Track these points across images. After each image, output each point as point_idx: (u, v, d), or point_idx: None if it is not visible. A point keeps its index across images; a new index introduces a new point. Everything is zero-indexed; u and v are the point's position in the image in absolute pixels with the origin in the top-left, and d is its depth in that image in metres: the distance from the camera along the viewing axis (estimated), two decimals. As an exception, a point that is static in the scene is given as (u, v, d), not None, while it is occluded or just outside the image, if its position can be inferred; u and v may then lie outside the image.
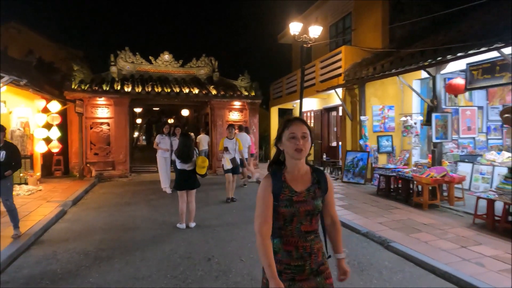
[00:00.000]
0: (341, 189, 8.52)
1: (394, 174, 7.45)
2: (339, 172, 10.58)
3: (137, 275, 3.80)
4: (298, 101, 10.28)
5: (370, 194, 7.88)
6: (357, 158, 9.40)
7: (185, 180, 5.63)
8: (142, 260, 4.24)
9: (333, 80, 10.34)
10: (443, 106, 7.84)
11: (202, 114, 16.86)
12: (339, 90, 9.96)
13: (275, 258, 1.68)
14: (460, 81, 7.10)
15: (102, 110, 11.46)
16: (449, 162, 8.16)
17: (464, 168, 7.96)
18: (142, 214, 6.63)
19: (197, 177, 5.72)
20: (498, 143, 9.45)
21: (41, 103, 9.47)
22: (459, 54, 5.93)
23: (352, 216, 6.03)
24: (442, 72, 7.05)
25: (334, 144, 12.65)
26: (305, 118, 7.35)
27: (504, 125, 8.93)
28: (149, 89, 11.71)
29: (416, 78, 9.14)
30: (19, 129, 8.99)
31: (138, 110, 17.89)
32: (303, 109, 11.54)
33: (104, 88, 11.27)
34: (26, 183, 8.65)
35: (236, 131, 8.51)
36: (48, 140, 9.71)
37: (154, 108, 19.88)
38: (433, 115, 6.93)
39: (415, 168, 7.59)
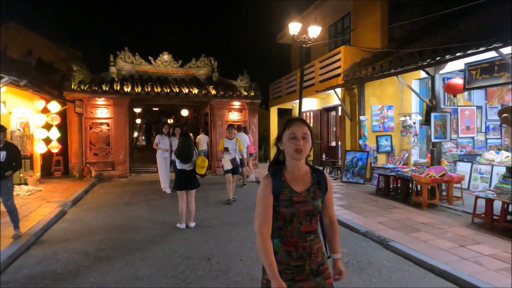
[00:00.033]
0: (340, 189, 8.54)
1: (393, 173, 7.47)
2: (339, 172, 10.59)
3: (137, 275, 3.82)
4: (298, 101, 10.29)
5: (369, 194, 7.90)
6: (356, 158, 9.43)
7: (185, 180, 5.64)
8: (142, 260, 4.25)
9: (332, 80, 10.36)
10: (442, 106, 7.87)
11: (201, 114, 16.87)
12: (338, 90, 9.98)
13: (275, 258, 1.68)
14: (458, 81, 7.12)
15: (102, 111, 11.47)
16: (448, 162, 8.19)
17: (463, 168, 7.99)
18: (142, 214, 6.64)
19: (196, 177, 5.74)
20: (497, 143, 9.48)
21: (41, 103, 9.48)
22: (457, 54, 5.95)
23: (351, 216, 6.05)
24: (441, 72, 7.07)
25: (333, 144, 12.66)
26: (304, 118, 7.36)
27: (503, 125, 8.96)
28: (149, 90, 11.72)
29: (415, 78, 9.17)
30: (18, 129, 9.00)
31: (137, 110, 17.92)
32: (303, 109, 11.58)
33: (104, 88, 11.28)
34: (25, 184, 8.66)
35: (235, 131, 8.52)
36: (47, 141, 9.73)
37: (153, 108, 19.90)
38: (432, 114, 6.95)
39: (414, 168, 7.61)
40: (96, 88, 11.18)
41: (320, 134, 13.07)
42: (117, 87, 11.49)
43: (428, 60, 6.60)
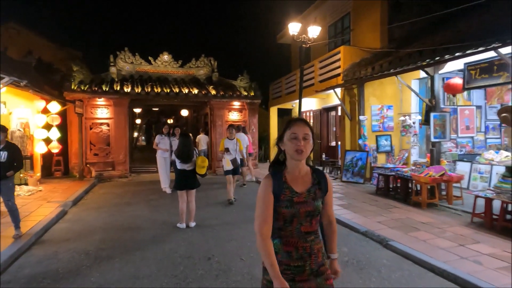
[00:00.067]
0: (340, 189, 8.56)
1: (393, 173, 7.48)
2: (338, 172, 10.61)
3: (137, 274, 3.83)
4: (297, 101, 10.31)
5: (369, 194, 7.92)
6: (356, 158, 9.44)
7: (185, 180, 5.66)
8: (143, 260, 4.26)
9: (332, 80, 10.38)
10: (442, 106, 7.89)
11: (201, 114, 16.87)
12: (338, 90, 10.00)
13: None
14: (458, 80, 7.14)
15: (102, 111, 11.48)
16: (447, 161, 8.20)
17: (463, 167, 8.00)
18: (142, 214, 6.65)
19: (197, 177, 5.75)
20: (497, 142, 9.50)
21: (41, 103, 9.49)
22: (457, 54, 5.97)
23: (351, 215, 6.06)
24: (440, 71, 7.08)
25: (333, 143, 12.68)
26: (304, 118, 7.37)
27: (502, 124, 8.98)
28: (149, 90, 11.73)
29: (415, 78, 9.19)
30: (19, 130, 9.01)
31: (137, 110, 17.92)
32: (303, 109, 11.59)
33: (104, 88, 11.30)
34: (26, 184, 8.67)
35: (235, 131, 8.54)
36: (48, 141, 9.74)
37: (153, 109, 19.90)
38: (432, 114, 6.97)
39: (413, 168, 7.63)
40: (96, 89, 11.20)
41: (320, 134, 13.09)
42: (117, 87, 11.51)
43: (427, 60, 6.62)
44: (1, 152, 4.76)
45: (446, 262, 3.88)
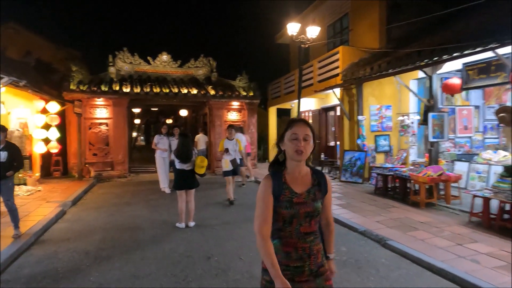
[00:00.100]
0: (339, 188, 8.58)
1: (392, 173, 7.51)
2: (337, 172, 10.62)
3: (137, 274, 3.84)
4: (296, 101, 10.34)
5: (368, 193, 7.94)
6: (355, 158, 9.47)
7: (184, 180, 5.68)
8: (142, 259, 4.28)
9: (331, 80, 10.40)
10: (440, 106, 7.90)
11: (200, 114, 16.88)
12: (337, 90, 10.02)
13: None
14: (456, 81, 7.16)
15: (101, 111, 11.48)
16: (445, 161, 8.23)
17: (461, 167, 8.03)
18: (142, 214, 6.67)
19: (196, 176, 5.77)
20: (495, 142, 9.53)
21: (40, 103, 9.48)
22: (455, 54, 5.99)
23: (350, 215, 6.08)
24: (438, 72, 7.11)
25: (332, 143, 12.71)
26: (303, 118, 7.39)
27: (500, 124, 9.01)
28: (148, 90, 11.74)
29: (413, 78, 9.21)
30: (18, 129, 8.99)
31: (136, 110, 17.93)
32: (301, 109, 11.59)
33: (103, 88, 11.30)
34: (25, 184, 8.66)
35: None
36: (47, 141, 9.74)
37: (152, 109, 19.91)
38: (430, 114, 7.00)
39: (412, 167, 7.65)
40: (95, 89, 11.20)
41: (319, 134, 13.10)
42: (116, 87, 11.51)
43: (426, 60, 6.64)
44: (1, 152, 4.77)
45: (444, 261, 3.91)
